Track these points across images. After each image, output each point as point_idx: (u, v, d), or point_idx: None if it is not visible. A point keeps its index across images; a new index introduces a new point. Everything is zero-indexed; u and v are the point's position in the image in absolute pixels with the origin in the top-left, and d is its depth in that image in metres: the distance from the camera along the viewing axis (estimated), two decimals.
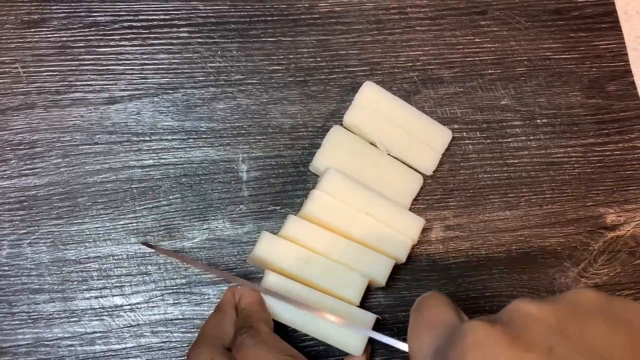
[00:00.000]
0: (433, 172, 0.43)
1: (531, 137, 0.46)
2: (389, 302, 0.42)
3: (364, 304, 0.41)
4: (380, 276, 0.39)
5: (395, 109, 0.43)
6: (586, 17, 0.48)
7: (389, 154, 0.43)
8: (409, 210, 0.42)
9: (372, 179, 0.41)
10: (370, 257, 0.39)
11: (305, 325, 0.37)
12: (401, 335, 0.41)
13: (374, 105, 0.43)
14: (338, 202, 0.39)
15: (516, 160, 0.45)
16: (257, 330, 0.35)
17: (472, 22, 0.47)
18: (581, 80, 0.47)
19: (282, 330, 0.39)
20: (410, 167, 0.43)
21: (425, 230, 0.43)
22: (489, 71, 0.47)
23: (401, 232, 0.40)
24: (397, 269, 0.42)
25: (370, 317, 0.38)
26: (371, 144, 0.43)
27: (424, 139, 0.43)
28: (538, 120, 0.46)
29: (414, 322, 0.33)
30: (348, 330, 0.37)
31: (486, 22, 0.47)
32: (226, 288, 0.40)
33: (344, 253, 0.39)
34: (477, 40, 0.47)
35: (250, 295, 0.38)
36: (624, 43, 0.48)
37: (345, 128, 0.43)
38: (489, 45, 0.47)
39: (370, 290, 0.42)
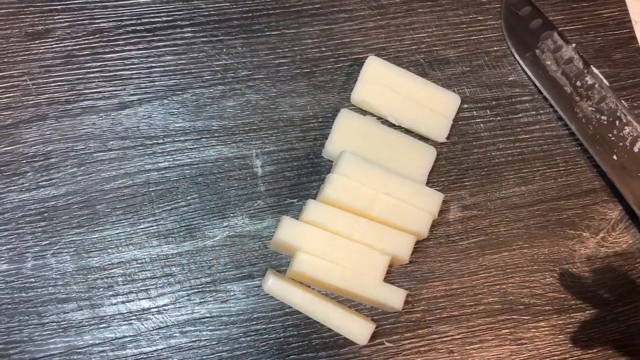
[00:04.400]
0: (446, 152, 0.44)
1: (541, 111, 0.46)
2: (412, 284, 0.42)
3: None
4: (403, 252, 0.39)
5: (401, 79, 0.43)
6: None
7: (399, 129, 0.43)
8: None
9: (386, 158, 0.42)
10: (392, 234, 0.39)
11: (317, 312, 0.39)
12: (425, 318, 0.42)
13: (379, 79, 0.43)
14: (355, 184, 0.39)
15: (528, 135, 0.45)
16: None
17: (473, 0, 0.47)
18: (587, 50, 0.47)
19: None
20: (422, 135, 0.44)
21: (442, 211, 0.43)
22: (494, 48, 0.46)
23: (420, 207, 0.40)
24: (417, 252, 0.42)
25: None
26: (381, 118, 0.43)
27: (433, 106, 0.43)
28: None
29: None
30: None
31: None
32: (250, 283, 0.40)
33: (364, 233, 0.39)
34: (480, 18, 0.47)
35: None
36: (626, 10, 0.48)
37: (354, 105, 0.43)
38: (492, 22, 0.47)
39: (392, 272, 0.42)
